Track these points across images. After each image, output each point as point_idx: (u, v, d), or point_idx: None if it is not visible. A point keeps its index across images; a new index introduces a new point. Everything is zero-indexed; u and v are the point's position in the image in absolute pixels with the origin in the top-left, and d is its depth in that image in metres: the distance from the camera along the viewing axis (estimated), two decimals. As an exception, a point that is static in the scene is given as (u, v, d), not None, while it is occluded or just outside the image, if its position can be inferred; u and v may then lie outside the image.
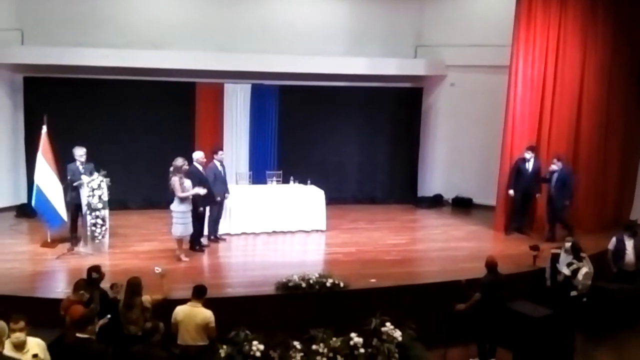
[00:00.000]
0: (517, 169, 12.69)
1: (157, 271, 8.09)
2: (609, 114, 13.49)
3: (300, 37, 14.89)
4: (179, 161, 10.47)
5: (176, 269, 9.95)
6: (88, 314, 6.70)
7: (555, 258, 10.01)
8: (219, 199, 11.59)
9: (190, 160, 10.98)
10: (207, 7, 14.58)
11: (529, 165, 12.65)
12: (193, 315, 7.46)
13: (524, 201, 12.91)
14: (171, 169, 10.44)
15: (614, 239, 10.67)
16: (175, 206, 10.39)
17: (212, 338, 7.59)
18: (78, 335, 6.37)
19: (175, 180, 10.28)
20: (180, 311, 7.53)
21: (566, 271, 9.48)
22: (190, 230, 10.62)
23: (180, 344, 7.48)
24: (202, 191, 10.65)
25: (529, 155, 12.59)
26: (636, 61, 13.64)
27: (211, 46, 14.31)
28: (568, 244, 9.80)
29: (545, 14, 12.74)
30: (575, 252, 9.63)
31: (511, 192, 12.73)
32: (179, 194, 10.31)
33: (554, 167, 12.26)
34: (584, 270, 9.44)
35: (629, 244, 10.47)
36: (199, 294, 7.60)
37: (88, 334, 6.39)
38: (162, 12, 14.32)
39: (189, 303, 7.57)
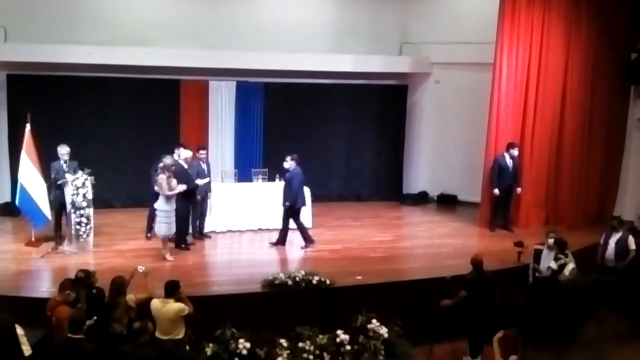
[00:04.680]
0: (499, 166, 12.76)
1: (140, 270, 8.09)
2: (593, 110, 13.60)
3: (285, 34, 14.86)
4: (168, 160, 10.47)
5: (162, 267, 9.94)
6: (79, 315, 6.70)
7: (537, 254, 10.07)
8: (199, 197, 11.56)
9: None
10: (192, 4, 14.52)
11: (510, 162, 12.73)
12: (165, 311, 7.51)
13: (506, 197, 12.99)
14: (160, 165, 10.40)
15: (604, 234, 10.80)
16: (160, 205, 10.36)
17: (192, 314, 7.62)
18: (70, 335, 6.37)
19: (162, 178, 10.24)
20: (152, 306, 7.60)
21: (553, 265, 9.54)
22: (174, 229, 10.59)
23: (157, 337, 7.53)
24: (183, 187, 10.61)
25: (516, 152, 12.66)
26: (619, 59, 13.76)
27: (196, 43, 14.25)
28: (551, 240, 9.86)
29: (529, 11, 12.81)
30: (561, 247, 9.69)
31: (496, 191, 12.76)
32: (166, 192, 10.28)
33: (286, 165, 11.70)
34: (570, 265, 9.52)
35: (613, 239, 10.57)
36: (170, 292, 7.61)
37: (80, 334, 6.40)
38: (147, 9, 14.24)
39: (161, 299, 7.59)
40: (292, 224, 11.68)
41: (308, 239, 11.62)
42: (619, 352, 1.18)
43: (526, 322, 1.31)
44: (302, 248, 11.53)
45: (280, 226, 11.83)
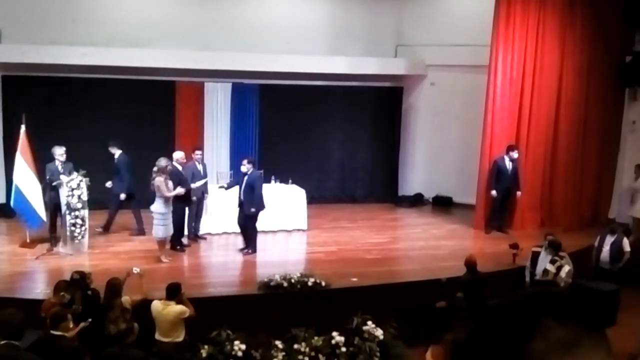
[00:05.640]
0: (498, 169, 12.77)
1: (135, 272, 8.09)
2: (587, 113, 13.65)
3: (281, 36, 14.87)
4: (163, 162, 10.45)
5: (157, 269, 9.92)
6: (60, 311, 6.70)
7: (535, 256, 10.09)
8: (194, 198, 11.54)
9: (170, 160, 10.95)
10: (188, 6, 14.52)
11: (510, 164, 12.74)
12: (165, 313, 7.54)
13: (504, 200, 13.01)
14: (155, 169, 10.39)
15: (599, 236, 10.86)
16: (156, 207, 10.31)
17: (193, 318, 7.64)
18: (52, 332, 6.38)
19: (160, 180, 10.22)
20: (153, 308, 7.63)
21: (550, 267, 9.56)
22: (171, 231, 10.58)
23: (157, 339, 7.57)
24: (182, 191, 10.61)
25: (516, 154, 12.67)
26: (614, 62, 13.81)
27: (191, 45, 14.24)
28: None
29: (524, 14, 12.85)
30: (555, 249, 9.71)
31: (494, 192, 12.78)
32: (167, 193, 10.28)
33: (243, 169, 11.26)
34: (566, 267, 9.55)
35: (607, 241, 10.63)
36: (171, 294, 7.64)
37: (61, 331, 6.39)
38: (142, 10, 14.23)
39: (162, 301, 7.61)
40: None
41: (254, 247, 11.25)
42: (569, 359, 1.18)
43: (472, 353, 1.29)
44: (241, 251, 11.23)
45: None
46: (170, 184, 10.40)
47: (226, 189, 11.69)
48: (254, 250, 11.22)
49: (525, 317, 1.21)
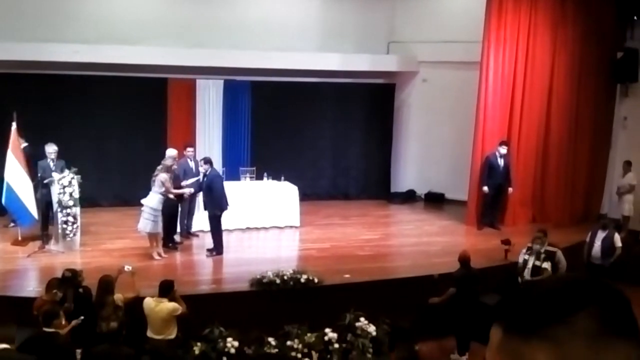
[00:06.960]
0: (490, 165, 12.79)
1: (127, 269, 8.07)
2: (579, 109, 13.68)
3: (273, 32, 14.83)
4: (169, 161, 10.53)
5: (150, 266, 9.91)
6: (52, 308, 6.70)
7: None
8: (186, 195, 11.51)
9: (163, 157, 10.94)
10: (179, 3, 14.47)
11: (501, 160, 12.76)
12: (158, 310, 7.55)
13: (495, 196, 13.03)
14: (159, 167, 10.38)
15: (590, 232, 10.89)
16: (150, 202, 10.25)
17: (185, 315, 7.63)
18: (45, 329, 6.37)
19: (165, 178, 10.19)
20: (146, 305, 7.63)
21: (545, 264, 9.57)
22: (160, 228, 10.52)
23: (150, 337, 7.58)
24: (187, 190, 10.69)
25: (504, 150, 12.69)
26: (605, 58, 13.84)
27: (183, 41, 14.18)
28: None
29: (515, 11, 12.87)
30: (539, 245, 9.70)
31: (485, 188, 12.80)
32: (172, 190, 10.39)
33: (201, 169, 11.04)
34: (548, 262, 9.51)
35: (599, 237, 10.66)
36: (164, 291, 7.64)
37: (54, 328, 6.39)
38: (133, 7, 14.16)
39: (154, 298, 7.60)
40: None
41: (219, 249, 10.94)
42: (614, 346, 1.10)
43: (510, 309, 1.18)
44: (208, 252, 10.98)
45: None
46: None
47: (195, 192, 11.50)
48: (220, 252, 10.90)
49: (574, 294, 1.12)
